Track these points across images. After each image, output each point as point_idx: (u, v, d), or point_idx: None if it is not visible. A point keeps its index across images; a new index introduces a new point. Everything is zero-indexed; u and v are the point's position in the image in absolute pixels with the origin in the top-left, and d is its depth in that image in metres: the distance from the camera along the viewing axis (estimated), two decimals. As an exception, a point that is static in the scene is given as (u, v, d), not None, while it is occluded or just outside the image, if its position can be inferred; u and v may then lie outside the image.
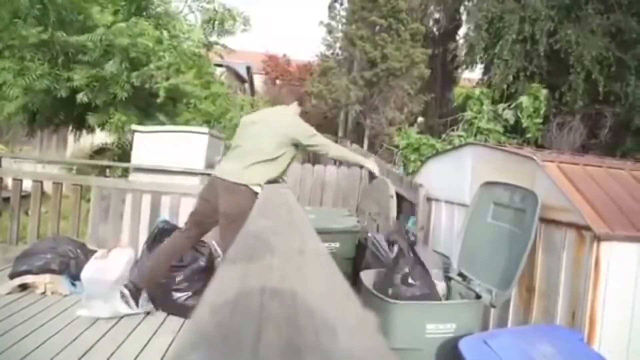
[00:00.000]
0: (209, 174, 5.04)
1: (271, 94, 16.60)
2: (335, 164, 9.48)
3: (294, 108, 3.44)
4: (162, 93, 5.44)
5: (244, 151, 3.15)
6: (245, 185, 3.04)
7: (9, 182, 5.20)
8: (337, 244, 4.66)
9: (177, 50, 5.93)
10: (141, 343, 3.04)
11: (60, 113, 6.01)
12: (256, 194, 3.02)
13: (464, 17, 13.33)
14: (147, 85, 5.52)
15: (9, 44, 5.30)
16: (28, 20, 5.13)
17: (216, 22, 6.79)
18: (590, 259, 2.68)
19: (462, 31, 13.43)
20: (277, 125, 3.20)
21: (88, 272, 3.39)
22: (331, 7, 13.40)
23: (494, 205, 3.32)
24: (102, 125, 5.82)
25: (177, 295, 3.47)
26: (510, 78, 9.38)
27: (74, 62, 5.33)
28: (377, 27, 11.47)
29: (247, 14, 7.02)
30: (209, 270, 3.57)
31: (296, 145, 3.22)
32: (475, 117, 8.17)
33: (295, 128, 3.22)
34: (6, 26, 5.22)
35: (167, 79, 5.54)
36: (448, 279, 3.28)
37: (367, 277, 3.05)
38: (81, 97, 5.26)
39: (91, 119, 5.66)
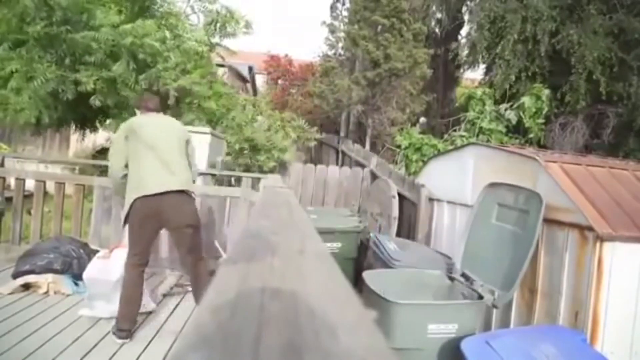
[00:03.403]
0: (212, 174, 5.07)
1: (273, 94, 16.63)
2: (337, 164, 9.48)
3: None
4: (173, 93, 5.46)
5: (162, 160, 3.09)
6: (191, 192, 3.16)
7: (11, 181, 5.22)
8: (339, 244, 4.66)
9: (180, 49, 5.94)
10: (143, 343, 3.04)
11: (69, 116, 6.03)
12: (194, 199, 3.22)
13: (466, 17, 13.32)
14: (155, 87, 5.54)
15: (15, 41, 5.31)
16: (35, 21, 5.15)
17: (218, 25, 6.79)
18: (593, 260, 2.67)
19: (464, 31, 13.43)
20: (172, 127, 3.25)
21: (90, 272, 3.39)
22: (333, 7, 13.37)
23: (498, 207, 3.31)
24: (117, 128, 5.86)
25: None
26: (512, 78, 9.35)
27: (80, 63, 5.35)
28: (380, 27, 11.44)
29: (249, 15, 7.04)
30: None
31: None
32: (478, 117, 8.16)
33: (186, 133, 3.32)
34: (13, 26, 5.24)
35: (175, 80, 5.56)
36: (451, 279, 3.28)
37: (369, 277, 3.05)
38: (93, 101, 5.29)
39: (109, 125, 5.69)
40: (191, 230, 3.16)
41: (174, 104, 6.07)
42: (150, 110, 3.29)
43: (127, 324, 3.08)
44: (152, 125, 3.17)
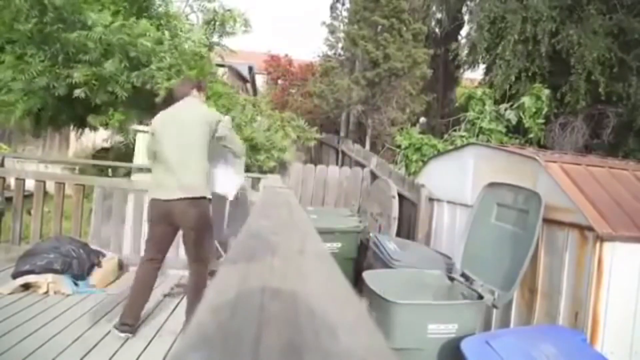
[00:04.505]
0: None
1: (273, 94, 16.63)
2: (337, 164, 9.48)
3: (197, 97, 3.38)
4: (162, 93, 5.45)
5: (177, 160, 3.10)
6: (201, 197, 3.12)
7: (11, 181, 5.22)
8: (339, 244, 4.66)
9: (178, 50, 5.93)
10: (143, 343, 3.04)
11: (64, 113, 6.02)
12: (210, 199, 3.19)
13: (466, 17, 13.33)
14: (148, 86, 5.53)
15: (8, 40, 5.31)
16: (28, 19, 5.15)
17: (217, 24, 6.79)
18: (593, 260, 2.67)
19: (464, 31, 13.44)
20: (193, 120, 3.16)
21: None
22: (333, 7, 13.38)
23: (498, 207, 3.32)
24: (105, 125, 5.83)
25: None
26: (512, 78, 9.35)
27: (74, 61, 5.34)
28: (379, 27, 11.44)
29: (248, 14, 7.01)
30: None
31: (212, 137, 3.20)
32: (478, 118, 8.15)
33: (212, 117, 3.21)
34: (6, 25, 5.24)
35: (168, 79, 5.55)
36: (451, 279, 3.28)
37: (369, 277, 3.05)
38: (79, 93, 5.26)
39: (93, 121, 5.66)
40: (193, 232, 3.15)
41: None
42: (177, 99, 3.31)
43: (131, 319, 3.12)
44: (172, 123, 3.17)
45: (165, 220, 3.14)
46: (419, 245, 4.49)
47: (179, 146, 3.12)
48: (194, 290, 3.18)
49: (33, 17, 5.07)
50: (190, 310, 3.20)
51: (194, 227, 3.14)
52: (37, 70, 5.11)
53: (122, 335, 3.05)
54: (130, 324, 3.10)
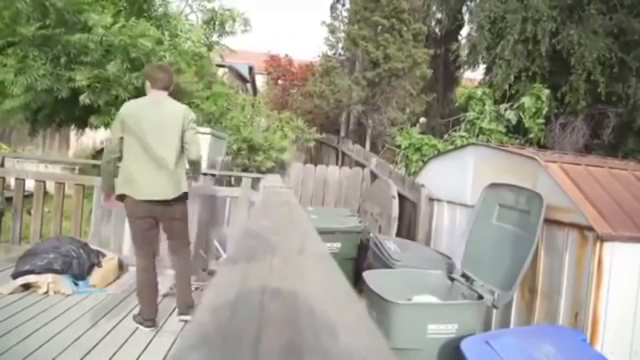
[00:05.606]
0: (212, 174, 5.07)
1: (272, 94, 16.63)
2: (337, 164, 9.48)
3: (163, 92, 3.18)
4: None
5: (153, 157, 3.03)
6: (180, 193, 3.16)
7: (11, 181, 5.21)
8: (339, 244, 4.66)
9: (177, 49, 5.94)
10: (143, 343, 3.04)
11: (62, 112, 6.02)
12: (186, 193, 3.23)
13: (466, 17, 13.33)
14: None
15: (10, 41, 5.31)
16: (30, 22, 5.16)
17: (216, 23, 6.82)
18: (593, 260, 2.67)
19: (464, 31, 13.45)
20: (171, 115, 3.08)
21: None
22: (333, 8, 13.39)
23: (499, 207, 3.31)
24: (106, 125, 5.84)
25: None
26: (512, 78, 9.35)
27: (75, 62, 5.34)
28: (380, 28, 11.45)
29: (248, 14, 7.03)
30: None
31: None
32: (478, 118, 8.15)
33: (188, 113, 3.12)
34: (7, 25, 5.25)
35: None
36: (451, 279, 3.28)
37: (369, 277, 3.05)
38: (83, 99, 5.26)
39: (94, 121, 5.67)
40: (177, 222, 3.29)
41: None
42: (157, 89, 3.15)
43: (149, 313, 3.25)
44: (147, 115, 3.03)
45: (149, 215, 3.16)
46: (419, 245, 4.49)
47: (155, 140, 3.02)
48: (186, 273, 3.41)
49: (36, 20, 5.07)
50: (184, 293, 3.38)
51: (179, 218, 3.29)
52: (39, 73, 5.12)
53: (147, 330, 3.23)
54: (151, 318, 3.27)
